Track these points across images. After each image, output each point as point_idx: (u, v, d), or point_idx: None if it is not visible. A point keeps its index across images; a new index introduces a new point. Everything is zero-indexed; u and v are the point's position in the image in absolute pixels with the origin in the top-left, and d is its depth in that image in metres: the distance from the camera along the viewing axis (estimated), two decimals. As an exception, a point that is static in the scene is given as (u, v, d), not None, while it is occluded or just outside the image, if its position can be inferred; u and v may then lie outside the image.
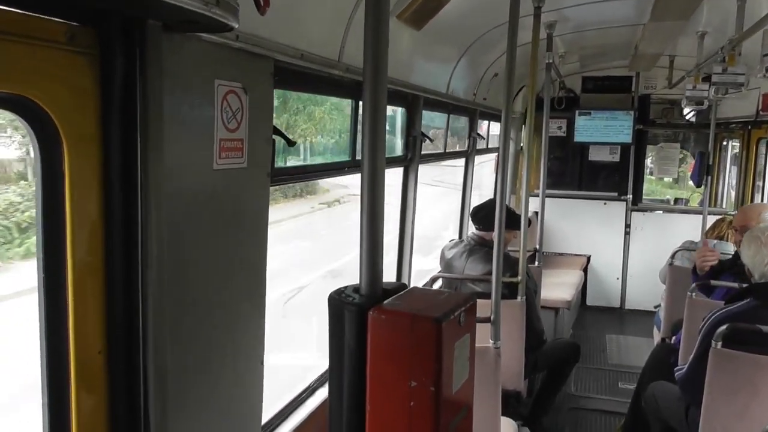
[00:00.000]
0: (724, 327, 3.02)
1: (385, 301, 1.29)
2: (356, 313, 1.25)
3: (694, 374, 3.22)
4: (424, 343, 1.19)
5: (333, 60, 2.49)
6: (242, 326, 2.05)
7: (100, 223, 1.36)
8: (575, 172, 8.22)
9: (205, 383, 1.86)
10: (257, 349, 2.13)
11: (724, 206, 8.57)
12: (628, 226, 7.90)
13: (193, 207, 1.73)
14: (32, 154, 1.29)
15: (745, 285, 3.40)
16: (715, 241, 4.57)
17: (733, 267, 4.04)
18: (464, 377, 1.31)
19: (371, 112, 1.30)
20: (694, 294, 4.08)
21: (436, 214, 12.04)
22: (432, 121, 5.37)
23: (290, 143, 2.19)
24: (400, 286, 1.39)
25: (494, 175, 7.60)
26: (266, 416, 2.44)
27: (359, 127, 2.91)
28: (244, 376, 2.09)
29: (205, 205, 1.79)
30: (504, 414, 3.70)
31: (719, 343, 3.04)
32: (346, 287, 1.36)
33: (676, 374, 3.45)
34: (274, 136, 2.14)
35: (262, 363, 2.16)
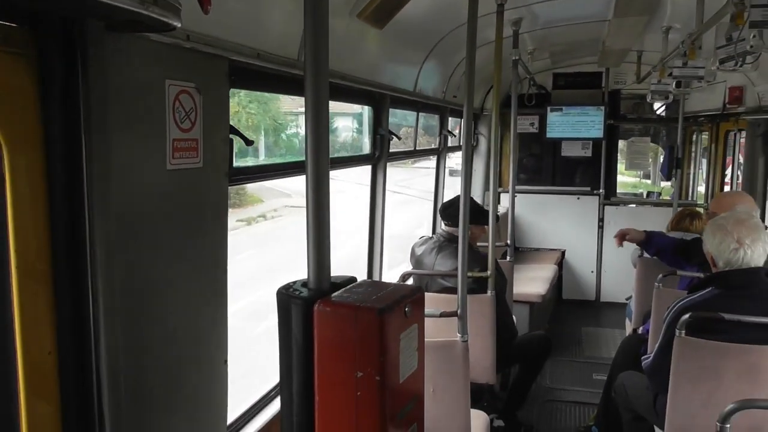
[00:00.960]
0: (687, 316, 3.07)
1: (333, 294, 1.31)
2: (302, 307, 1.26)
3: (659, 363, 3.28)
4: (368, 334, 1.21)
5: (292, 59, 2.49)
6: (204, 327, 2.05)
7: (46, 225, 1.35)
8: (548, 167, 8.30)
9: (165, 384, 1.85)
10: (220, 348, 2.13)
11: (694, 198, 8.71)
12: (601, 220, 7.99)
13: (146, 207, 1.72)
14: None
15: (707, 274, 3.46)
16: (682, 234, 4.64)
17: (699, 256, 4.15)
18: (412, 367, 1.33)
19: (313, 109, 1.32)
20: (661, 285, 4.15)
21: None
22: (405, 119, 5.40)
23: (248, 142, 2.19)
24: (349, 280, 1.41)
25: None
26: (232, 416, 2.44)
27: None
28: (208, 376, 2.09)
29: (160, 205, 1.79)
30: (478, 407, 3.74)
31: (683, 332, 3.09)
32: (295, 282, 1.37)
33: (642, 363, 3.51)
34: (231, 136, 2.14)
35: (225, 362, 2.16)
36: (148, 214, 1.72)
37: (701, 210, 5.64)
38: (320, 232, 1.32)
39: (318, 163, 1.31)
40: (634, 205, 8.41)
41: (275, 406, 2.73)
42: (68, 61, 1.34)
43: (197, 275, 1.98)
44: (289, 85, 2.65)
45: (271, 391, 2.80)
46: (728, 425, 2.35)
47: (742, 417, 2.48)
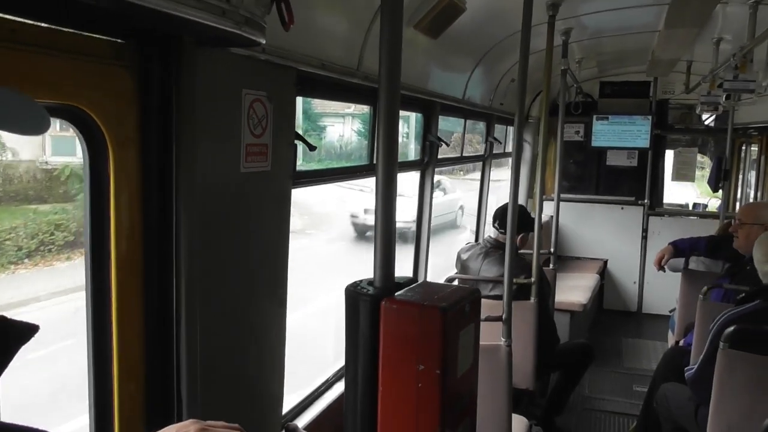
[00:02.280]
0: (731, 328, 3.09)
1: (397, 293, 1.41)
2: (370, 303, 1.37)
3: (703, 374, 3.30)
4: (431, 330, 1.31)
5: (352, 68, 2.62)
6: (266, 321, 2.18)
7: (140, 220, 1.50)
8: (593, 176, 8.27)
9: (231, 373, 1.99)
10: (279, 342, 2.26)
11: (743, 211, 8.54)
12: (645, 230, 7.94)
13: (221, 207, 1.86)
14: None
15: (756, 287, 3.47)
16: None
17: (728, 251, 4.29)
18: (468, 364, 1.43)
19: (386, 117, 1.43)
20: (705, 297, 4.15)
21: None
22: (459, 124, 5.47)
23: (311, 148, 2.32)
24: (411, 280, 1.51)
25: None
26: (287, 406, 2.58)
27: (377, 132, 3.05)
28: (267, 366, 2.22)
29: (233, 206, 1.92)
30: (516, 412, 3.80)
31: (727, 344, 3.11)
32: (361, 281, 1.48)
33: (686, 374, 3.53)
34: (296, 141, 2.27)
35: (283, 356, 2.29)
36: (224, 213, 1.86)
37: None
38: (387, 235, 1.44)
39: (389, 167, 1.42)
40: (679, 217, 8.32)
41: (327, 399, 2.86)
42: (164, 73, 1.48)
43: (263, 270, 2.12)
44: (348, 93, 2.78)
45: (322, 385, 2.93)
46: (770, 438, 2.38)
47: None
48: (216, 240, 1.84)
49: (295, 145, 2.28)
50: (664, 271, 4.96)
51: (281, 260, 2.22)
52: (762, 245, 3.34)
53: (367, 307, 1.37)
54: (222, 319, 1.91)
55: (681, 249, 4.85)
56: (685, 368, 3.60)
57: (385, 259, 1.43)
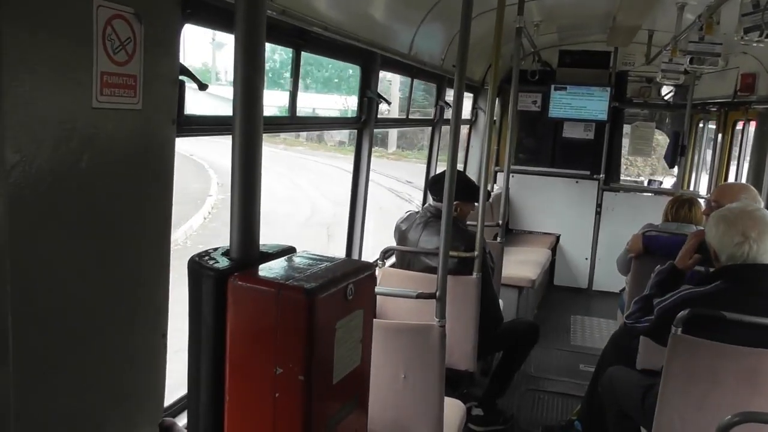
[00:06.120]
0: (686, 311, 2.82)
1: (256, 267, 1.03)
2: (213, 281, 0.99)
3: (657, 332, 3.04)
4: (293, 320, 0.93)
5: (265, -2, 2.19)
6: (140, 298, 1.78)
7: None
8: (548, 148, 8.02)
9: (90, 363, 1.59)
10: (158, 320, 1.86)
11: (698, 189, 8.43)
12: (599, 206, 7.74)
13: (64, 150, 1.44)
14: None
15: (713, 269, 3.20)
16: (677, 225, 4.38)
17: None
18: (354, 363, 1.06)
19: (245, 55, 1.05)
20: None
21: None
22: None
23: (201, 86, 1.91)
24: (285, 250, 1.13)
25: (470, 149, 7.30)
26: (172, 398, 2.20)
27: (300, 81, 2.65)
28: (142, 352, 1.82)
29: (84, 148, 1.50)
30: (457, 394, 3.52)
31: (679, 329, 2.85)
32: (215, 249, 1.10)
33: (627, 322, 3.25)
34: (182, 78, 1.86)
35: (164, 336, 1.90)
36: (67, 159, 1.43)
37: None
38: (249, 194, 1.06)
39: (249, 115, 1.05)
40: (634, 193, 8.14)
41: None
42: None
43: (138, 236, 1.70)
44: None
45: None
46: (727, 438, 2.11)
47: (741, 427, 2.26)
48: (58, 191, 1.42)
49: (182, 82, 1.86)
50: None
51: (162, 219, 1.80)
52: (717, 222, 3.06)
53: (210, 285, 0.99)
54: (72, 298, 1.49)
55: (651, 252, 4.32)
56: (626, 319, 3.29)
57: (245, 222, 1.05)
